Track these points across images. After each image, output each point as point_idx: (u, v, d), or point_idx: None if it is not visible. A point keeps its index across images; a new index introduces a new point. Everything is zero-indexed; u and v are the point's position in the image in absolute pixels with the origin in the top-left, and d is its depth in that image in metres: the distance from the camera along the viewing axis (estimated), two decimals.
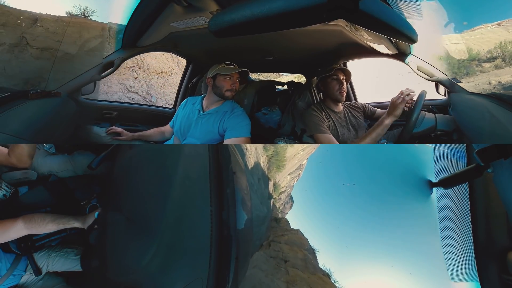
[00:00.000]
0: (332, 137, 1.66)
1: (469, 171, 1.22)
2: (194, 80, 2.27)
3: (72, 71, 1.61)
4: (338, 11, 0.69)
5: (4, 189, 1.33)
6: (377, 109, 1.92)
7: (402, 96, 1.46)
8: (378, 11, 0.78)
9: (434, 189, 1.43)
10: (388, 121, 1.48)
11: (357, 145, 1.59)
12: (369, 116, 1.91)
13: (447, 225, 1.42)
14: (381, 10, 0.80)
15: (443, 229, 1.43)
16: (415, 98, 1.47)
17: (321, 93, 2.05)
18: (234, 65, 1.71)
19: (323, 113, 1.74)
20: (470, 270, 1.37)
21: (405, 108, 1.48)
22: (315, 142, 1.75)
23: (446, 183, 1.38)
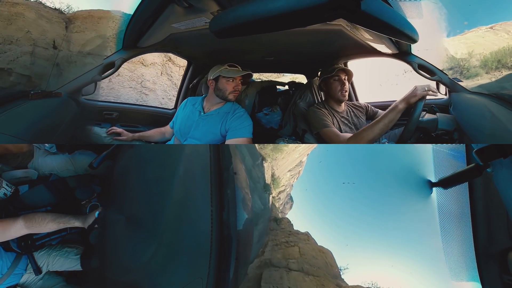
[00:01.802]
0: (337, 130, 1.67)
1: (469, 171, 1.22)
2: (195, 81, 2.27)
3: None
4: (339, 11, 0.69)
5: (5, 188, 1.33)
6: (379, 110, 1.93)
7: (426, 91, 1.40)
8: (379, 11, 0.78)
9: (434, 189, 1.42)
10: (402, 106, 1.41)
11: (357, 145, 1.58)
12: (370, 117, 1.92)
13: (447, 225, 1.42)
14: (382, 10, 0.80)
15: (443, 229, 1.43)
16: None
17: (323, 93, 2.06)
18: (237, 67, 1.67)
19: (326, 111, 1.76)
20: (471, 270, 1.37)
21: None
22: (319, 139, 1.76)
23: (445, 183, 1.37)
